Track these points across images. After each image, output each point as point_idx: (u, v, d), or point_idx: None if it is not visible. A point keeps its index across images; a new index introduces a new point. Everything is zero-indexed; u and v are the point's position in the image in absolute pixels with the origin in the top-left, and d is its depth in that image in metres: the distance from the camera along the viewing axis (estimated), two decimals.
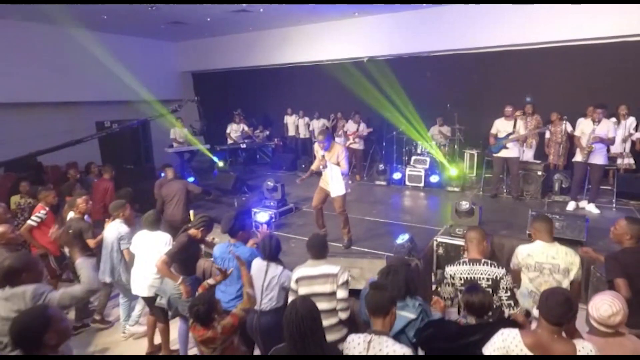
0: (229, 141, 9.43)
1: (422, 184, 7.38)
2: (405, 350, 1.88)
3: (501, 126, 6.45)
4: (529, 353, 1.84)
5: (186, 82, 13.63)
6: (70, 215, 4.14)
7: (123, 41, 11.32)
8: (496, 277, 2.55)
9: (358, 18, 9.69)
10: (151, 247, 3.54)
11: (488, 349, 1.94)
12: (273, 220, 5.41)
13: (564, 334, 1.87)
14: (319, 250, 2.79)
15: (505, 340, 1.90)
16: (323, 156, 4.47)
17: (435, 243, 4.49)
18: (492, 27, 8.06)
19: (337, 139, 9.78)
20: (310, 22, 10.22)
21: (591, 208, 5.58)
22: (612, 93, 7.01)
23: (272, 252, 2.90)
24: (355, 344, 1.97)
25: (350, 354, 1.96)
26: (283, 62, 11.05)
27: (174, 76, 13.27)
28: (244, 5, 8.33)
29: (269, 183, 6.03)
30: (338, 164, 4.53)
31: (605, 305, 1.93)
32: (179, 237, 3.34)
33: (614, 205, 5.85)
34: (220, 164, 8.66)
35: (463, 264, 2.63)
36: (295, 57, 10.79)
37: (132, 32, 11.24)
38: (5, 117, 9.31)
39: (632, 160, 6.87)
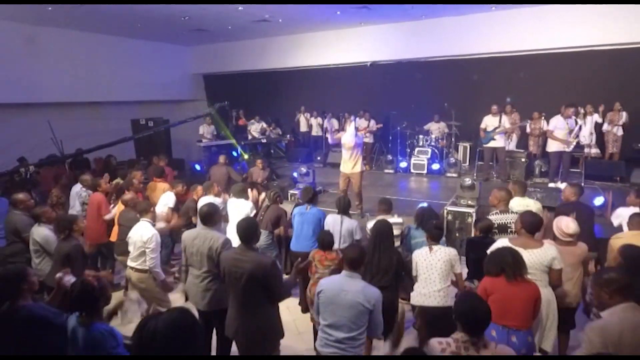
0: (249, 137, 10.55)
1: (425, 171, 8.68)
2: (453, 250, 3.13)
3: (489, 121, 7.80)
4: (513, 246, 2.91)
5: (198, 84, 14.58)
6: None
7: (143, 46, 12.24)
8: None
9: (363, 27, 10.89)
10: (238, 211, 4.68)
11: (490, 248, 3.08)
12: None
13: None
14: (389, 206, 4.13)
15: (500, 242, 3.10)
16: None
17: (445, 211, 5.76)
18: (482, 37, 9.32)
19: None
20: (319, 30, 11.33)
21: (564, 186, 6.94)
22: (579, 94, 8.42)
23: (344, 207, 4.12)
24: (423, 251, 3.22)
25: (421, 256, 3.21)
26: (293, 66, 12.09)
27: (186, 78, 14.21)
28: (267, 15, 9.45)
29: (302, 169, 7.20)
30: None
31: (568, 222, 3.18)
32: (275, 209, 4.59)
33: (583, 185, 7.20)
34: (245, 156, 9.75)
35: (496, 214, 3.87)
36: (304, 62, 11.85)
37: (154, 38, 12.15)
38: (45, 116, 10.14)
39: (597, 150, 8.33)
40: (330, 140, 6.25)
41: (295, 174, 7.54)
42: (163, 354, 1.56)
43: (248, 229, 2.78)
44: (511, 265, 2.56)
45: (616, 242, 3.29)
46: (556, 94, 8.71)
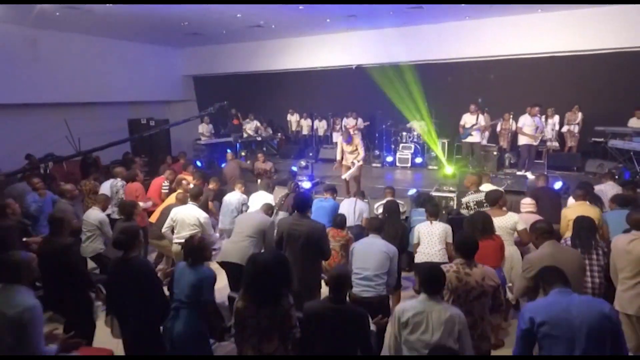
0: (245, 135, 11.23)
1: (409, 165, 9.65)
2: (448, 225, 4.04)
3: (467, 119, 8.82)
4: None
5: (188, 85, 15.01)
6: None
7: (136, 48, 12.63)
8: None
9: (349, 33, 11.72)
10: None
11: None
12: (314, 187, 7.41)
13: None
14: (393, 190, 5.07)
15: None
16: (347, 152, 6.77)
17: None
18: (457, 43, 10.30)
19: (334, 134, 11.88)
20: (308, 35, 12.09)
21: (529, 174, 8.04)
22: (542, 95, 9.53)
23: (361, 193, 4.97)
24: (424, 224, 4.10)
25: (424, 227, 4.08)
26: (281, 68, 12.78)
27: (177, 79, 14.63)
28: (262, 21, 10.13)
29: (301, 163, 7.99)
30: (357, 149, 6.70)
31: (526, 198, 4.18)
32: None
33: (546, 173, 8.32)
34: (242, 153, 10.44)
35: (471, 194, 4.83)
36: (293, 64, 12.55)
37: (147, 40, 12.57)
38: (44, 117, 10.45)
39: (557, 144, 9.51)
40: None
41: (294, 168, 8.31)
42: (272, 278, 2.34)
43: (303, 201, 3.70)
44: (480, 230, 3.50)
45: (566, 210, 4.30)
46: (522, 95, 9.77)
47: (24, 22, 9.31)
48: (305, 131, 12.17)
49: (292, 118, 12.35)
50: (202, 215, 4.45)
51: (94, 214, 4.46)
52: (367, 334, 2.44)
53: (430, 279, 2.35)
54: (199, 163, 9.80)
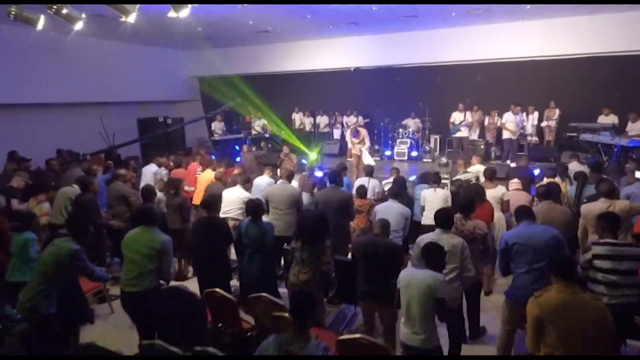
0: (253, 132, 12.11)
1: (405, 158, 10.67)
2: (447, 191, 5.00)
3: (456, 116, 9.90)
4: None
5: (193, 86, 15.79)
6: None
7: (146, 51, 13.29)
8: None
9: (348, 37, 12.67)
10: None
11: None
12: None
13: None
14: (397, 169, 6.00)
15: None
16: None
17: None
18: (447, 48, 11.29)
19: (334, 130, 12.85)
20: (309, 39, 13.02)
21: (513, 165, 9.12)
22: (523, 94, 10.65)
23: (369, 172, 5.95)
24: (429, 190, 5.05)
25: (428, 194, 5.03)
26: (285, 70, 13.68)
27: (183, 80, 15.40)
28: (269, 27, 11.03)
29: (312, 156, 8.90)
30: (363, 140, 7.70)
31: (514, 179, 5.18)
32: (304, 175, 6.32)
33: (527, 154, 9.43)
34: (253, 148, 11.33)
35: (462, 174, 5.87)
36: (296, 67, 13.45)
37: (157, 44, 13.31)
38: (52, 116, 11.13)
39: (537, 139, 10.63)
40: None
41: (304, 161, 9.23)
42: (312, 229, 3.30)
43: (336, 175, 4.82)
44: (473, 197, 4.48)
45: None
46: (506, 95, 10.86)
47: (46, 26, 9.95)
48: (307, 128, 13.09)
49: (297, 116, 13.25)
50: (244, 195, 5.33)
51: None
52: (399, 260, 3.57)
53: (444, 218, 3.36)
54: (213, 157, 10.63)
